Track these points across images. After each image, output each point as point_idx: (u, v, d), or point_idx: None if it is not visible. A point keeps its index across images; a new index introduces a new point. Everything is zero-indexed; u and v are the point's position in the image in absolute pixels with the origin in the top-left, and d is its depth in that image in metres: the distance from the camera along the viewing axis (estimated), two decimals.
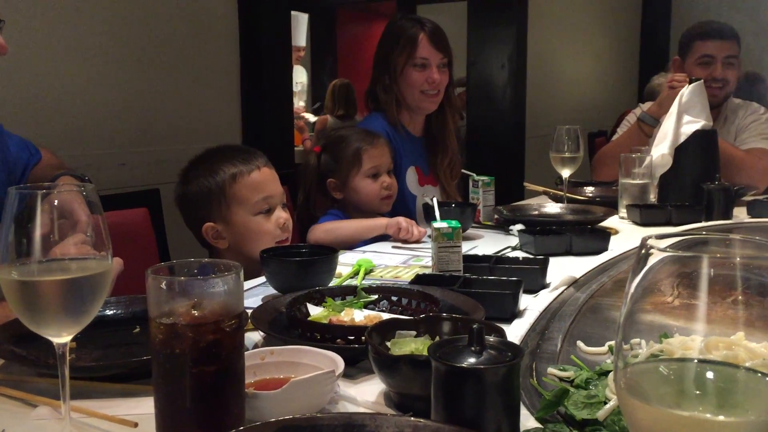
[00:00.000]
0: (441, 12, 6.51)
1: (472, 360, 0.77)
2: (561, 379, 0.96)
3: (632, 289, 0.53)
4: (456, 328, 0.97)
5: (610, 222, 2.14)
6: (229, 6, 2.80)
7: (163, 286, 0.73)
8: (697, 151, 2.29)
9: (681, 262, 0.51)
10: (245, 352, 0.88)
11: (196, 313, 0.75)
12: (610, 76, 6.01)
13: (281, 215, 1.71)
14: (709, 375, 0.48)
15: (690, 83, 2.39)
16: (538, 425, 0.82)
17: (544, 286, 1.43)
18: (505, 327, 1.14)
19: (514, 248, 1.82)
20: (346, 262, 1.63)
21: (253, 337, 1.14)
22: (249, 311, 1.14)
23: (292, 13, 6.41)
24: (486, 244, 1.91)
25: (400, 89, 2.31)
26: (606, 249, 1.76)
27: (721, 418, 0.44)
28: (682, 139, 2.29)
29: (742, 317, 0.55)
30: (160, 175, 2.35)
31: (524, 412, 0.84)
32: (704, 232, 0.54)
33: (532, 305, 1.29)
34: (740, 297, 0.56)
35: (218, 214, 1.68)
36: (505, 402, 0.75)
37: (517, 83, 4.59)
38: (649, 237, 0.52)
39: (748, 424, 0.44)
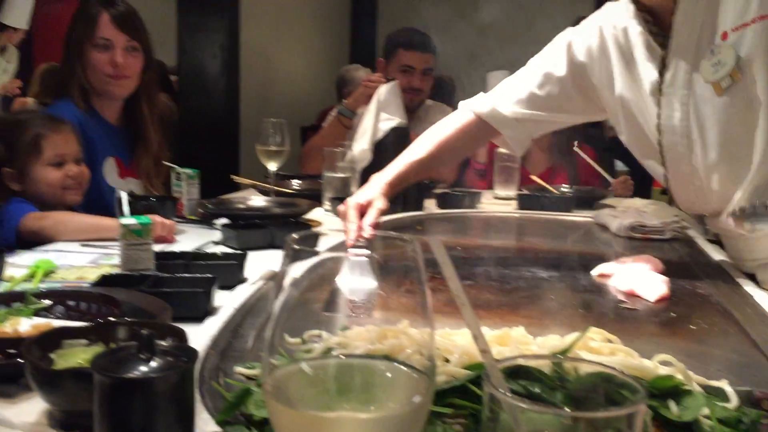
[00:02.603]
0: None
1: (140, 369, 0.71)
2: (248, 377, 0.94)
3: (288, 284, 0.52)
4: (134, 333, 0.89)
5: (315, 214, 2.19)
6: None
7: None
8: (393, 147, 2.43)
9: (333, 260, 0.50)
10: None
11: None
12: (324, 72, 6.21)
13: None
14: (352, 371, 0.48)
15: (387, 82, 2.54)
16: (219, 429, 0.79)
17: (242, 281, 1.40)
18: (196, 327, 1.10)
19: (216, 243, 1.77)
20: (21, 263, 1.45)
21: None
22: None
23: None
24: (188, 239, 1.83)
25: (85, 73, 2.13)
26: None
27: (363, 415, 0.44)
28: (380, 135, 2.43)
29: (410, 305, 0.58)
30: None
31: (205, 417, 0.81)
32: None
33: (228, 302, 1.25)
34: (408, 286, 0.59)
35: None
36: (177, 410, 0.71)
37: (230, 74, 4.52)
38: (295, 236, 0.52)
39: (389, 417, 0.45)
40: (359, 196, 1.66)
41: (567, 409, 0.63)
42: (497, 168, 2.73)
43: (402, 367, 0.47)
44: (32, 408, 0.83)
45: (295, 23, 5.68)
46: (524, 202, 2.47)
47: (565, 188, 2.66)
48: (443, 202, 2.46)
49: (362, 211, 1.60)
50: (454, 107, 3.13)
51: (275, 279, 0.51)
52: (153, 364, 0.71)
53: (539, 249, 1.94)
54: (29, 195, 1.91)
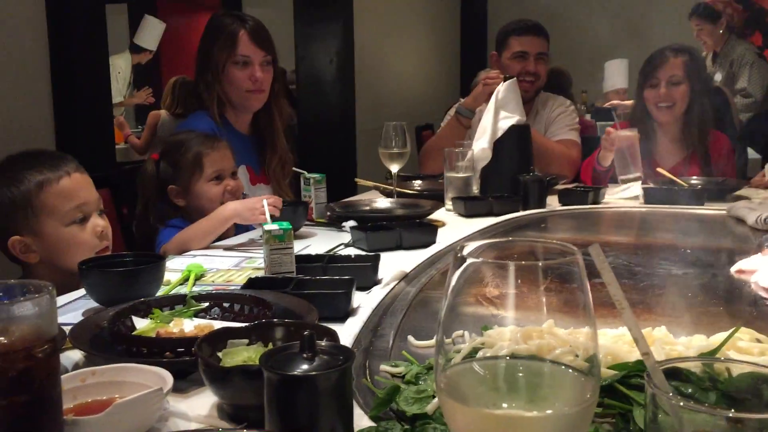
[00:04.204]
0: (267, 5, 6.43)
1: (304, 367, 0.77)
2: (393, 375, 0.99)
3: (451, 288, 0.56)
4: (289, 333, 0.96)
5: (437, 215, 2.23)
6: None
7: None
8: (513, 145, 2.44)
9: (492, 266, 0.53)
10: (64, 375, 0.82)
11: (3, 339, 0.69)
12: (434, 71, 6.25)
13: (98, 223, 1.61)
14: (520, 370, 0.51)
15: (504, 81, 2.53)
16: (372, 424, 0.84)
17: (377, 282, 1.46)
18: (339, 326, 1.15)
19: (346, 245, 1.84)
20: (175, 268, 1.57)
21: (73, 356, 1.07)
22: (67, 328, 1.07)
23: (149, 17, 6.26)
24: (319, 242, 1.92)
25: (223, 87, 2.27)
26: (434, 242, 1.83)
27: (531, 413, 0.47)
28: (500, 133, 2.43)
29: (552, 304, 0.60)
30: None
31: (358, 412, 0.86)
32: (510, 238, 0.57)
33: (365, 303, 1.31)
34: (549, 286, 0.61)
35: (25, 226, 1.56)
36: (338, 405, 0.76)
37: (346, 79, 4.64)
38: (464, 242, 0.55)
39: (557, 417, 0.47)
40: None
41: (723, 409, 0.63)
42: (617, 153, 2.61)
43: (567, 368, 0.50)
44: (203, 402, 0.91)
45: (405, 25, 5.75)
46: (651, 196, 2.40)
47: (695, 180, 2.56)
48: (565, 198, 2.43)
49: None
50: (571, 99, 3.04)
51: (445, 287, 0.55)
52: (315, 362, 0.77)
53: (670, 245, 1.89)
54: (192, 209, 2.04)
